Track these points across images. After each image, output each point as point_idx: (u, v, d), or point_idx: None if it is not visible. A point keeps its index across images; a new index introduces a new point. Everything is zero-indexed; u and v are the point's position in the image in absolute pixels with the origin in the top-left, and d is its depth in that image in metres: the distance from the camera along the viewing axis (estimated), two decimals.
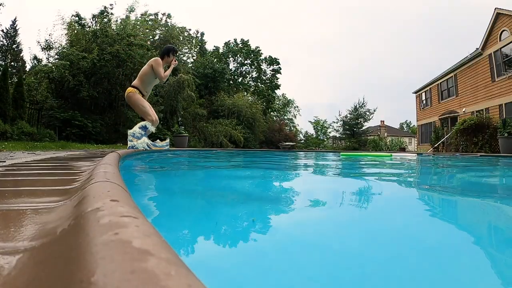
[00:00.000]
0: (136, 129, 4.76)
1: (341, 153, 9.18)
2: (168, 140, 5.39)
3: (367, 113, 24.66)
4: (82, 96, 11.70)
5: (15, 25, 21.93)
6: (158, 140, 5.36)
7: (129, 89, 4.85)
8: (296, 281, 0.58)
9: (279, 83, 29.55)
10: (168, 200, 1.50)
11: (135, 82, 4.94)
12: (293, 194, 1.83)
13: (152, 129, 4.81)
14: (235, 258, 0.72)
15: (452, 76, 17.20)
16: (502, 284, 0.61)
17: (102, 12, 14.05)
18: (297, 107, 39.97)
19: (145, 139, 4.77)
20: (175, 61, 5.13)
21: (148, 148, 4.84)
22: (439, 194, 1.81)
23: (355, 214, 1.24)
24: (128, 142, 4.73)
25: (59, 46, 13.22)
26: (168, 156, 6.05)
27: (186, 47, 22.28)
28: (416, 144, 23.87)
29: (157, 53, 14.88)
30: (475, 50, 15.21)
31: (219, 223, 1.01)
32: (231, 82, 26.79)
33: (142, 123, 4.82)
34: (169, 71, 5.10)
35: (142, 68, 5.03)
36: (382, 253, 0.75)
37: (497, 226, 1.08)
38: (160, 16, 20.66)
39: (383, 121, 37.67)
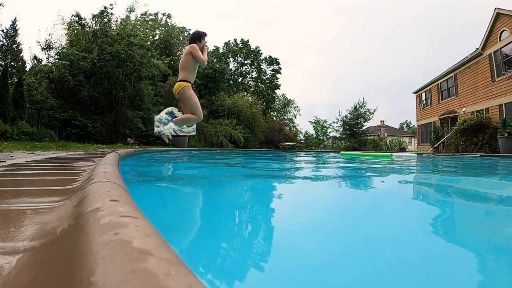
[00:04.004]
0: (163, 114, 4.82)
1: (341, 152, 9.17)
2: (194, 126, 5.46)
3: (367, 113, 24.69)
4: (82, 96, 11.69)
5: (15, 25, 21.90)
6: (184, 126, 5.40)
7: (180, 83, 4.43)
8: None
9: (279, 83, 29.54)
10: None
11: (183, 76, 4.51)
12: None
13: (179, 114, 4.74)
14: None
15: (452, 76, 17.20)
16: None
17: (102, 12, 14.04)
18: (297, 107, 39.99)
19: (171, 125, 4.79)
20: (206, 45, 4.96)
21: (175, 133, 4.91)
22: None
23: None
24: (155, 128, 4.81)
25: (59, 46, 13.21)
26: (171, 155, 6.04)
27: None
28: (416, 144, 23.85)
29: (157, 53, 14.91)
30: (475, 50, 15.20)
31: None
32: (231, 82, 26.76)
33: (169, 108, 4.85)
34: (205, 55, 4.91)
35: (181, 60, 4.65)
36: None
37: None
38: (160, 16, 20.72)
39: (383, 121, 37.72)
